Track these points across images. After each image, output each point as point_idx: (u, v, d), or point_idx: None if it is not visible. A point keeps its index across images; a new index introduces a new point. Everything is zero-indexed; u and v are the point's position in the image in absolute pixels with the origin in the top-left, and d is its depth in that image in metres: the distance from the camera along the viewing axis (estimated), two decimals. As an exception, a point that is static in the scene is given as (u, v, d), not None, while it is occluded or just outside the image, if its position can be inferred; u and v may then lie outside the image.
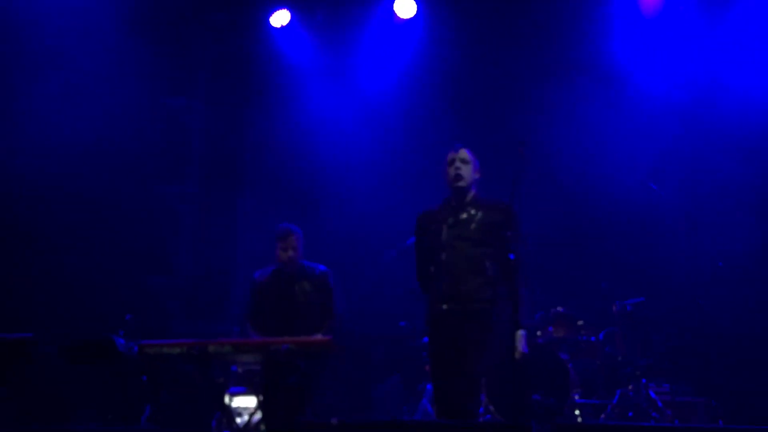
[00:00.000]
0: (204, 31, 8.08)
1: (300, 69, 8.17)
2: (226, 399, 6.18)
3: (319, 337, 5.25)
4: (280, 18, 7.92)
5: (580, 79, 7.54)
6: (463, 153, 4.75)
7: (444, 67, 7.94)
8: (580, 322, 6.72)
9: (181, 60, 8.02)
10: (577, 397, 6.27)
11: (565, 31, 7.57)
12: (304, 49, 8.11)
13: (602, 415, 6.24)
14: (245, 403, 6.05)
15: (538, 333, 6.70)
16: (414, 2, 7.75)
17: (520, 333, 4.38)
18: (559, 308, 6.76)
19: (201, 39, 8.10)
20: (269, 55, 8.15)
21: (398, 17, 7.83)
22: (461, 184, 4.69)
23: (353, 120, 8.04)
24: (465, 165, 4.71)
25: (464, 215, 4.66)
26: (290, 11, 7.94)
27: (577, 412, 6.22)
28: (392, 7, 7.80)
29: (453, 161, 4.74)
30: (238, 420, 5.78)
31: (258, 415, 5.39)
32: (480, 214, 4.64)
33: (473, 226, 4.61)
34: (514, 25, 7.79)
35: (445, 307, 4.59)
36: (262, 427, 5.29)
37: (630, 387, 6.24)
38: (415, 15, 7.80)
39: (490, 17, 7.84)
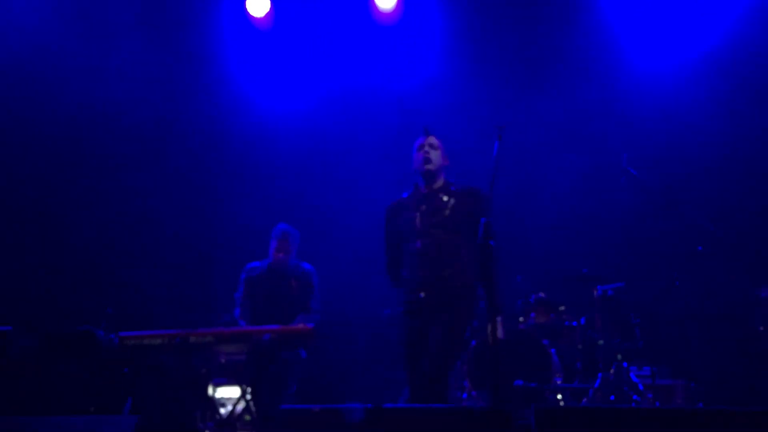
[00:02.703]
0: (182, 19, 7.99)
1: (280, 60, 8.12)
2: (210, 390, 6.19)
3: (300, 325, 5.27)
4: (260, 7, 7.84)
5: (562, 63, 7.57)
6: (432, 139, 4.77)
7: (422, 58, 7.94)
8: (562, 308, 6.76)
9: (160, 51, 7.94)
10: (559, 382, 6.32)
11: (542, 17, 7.58)
12: (283, 40, 8.06)
13: (584, 399, 6.29)
14: (228, 393, 6.05)
15: (521, 319, 6.73)
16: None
17: (498, 319, 4.38)
18: (541, 294, 6.80)
19: (179, 28, 8.01)
20: (249, 45, 8.09)
21: (378, 8, 7.80)
22: (429, 167, 4.68)
23: (337, 111, 8.02)
24: (434, 150, 4.72)
25: (437, 202, 4.64)
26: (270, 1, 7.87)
27: (559, 396, 6.27)
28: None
29: (422, 146, 4.75)
30: (222, 410, 5.78)
31: (242, 405, 5.40)
32: (453, 200, 4.63)
33: (447, 212, 4.60)
34: (493, 14, 7.79)
35: (422, 294, 4.57)
36: (247, 417, 5.30)
37: (611, 371, 6.29)
38: (396, 6, 7.77)
39: (470, 6, 7.84)
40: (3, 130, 7.22)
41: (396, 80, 7.94)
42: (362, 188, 7.58)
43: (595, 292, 6.63)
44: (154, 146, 8.07)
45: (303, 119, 8.02)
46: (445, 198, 4.65)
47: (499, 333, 4.37)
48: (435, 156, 4.71)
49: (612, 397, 6.16)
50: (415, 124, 4.99)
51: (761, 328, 6.47)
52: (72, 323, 5.67)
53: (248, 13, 7.86)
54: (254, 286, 5.97)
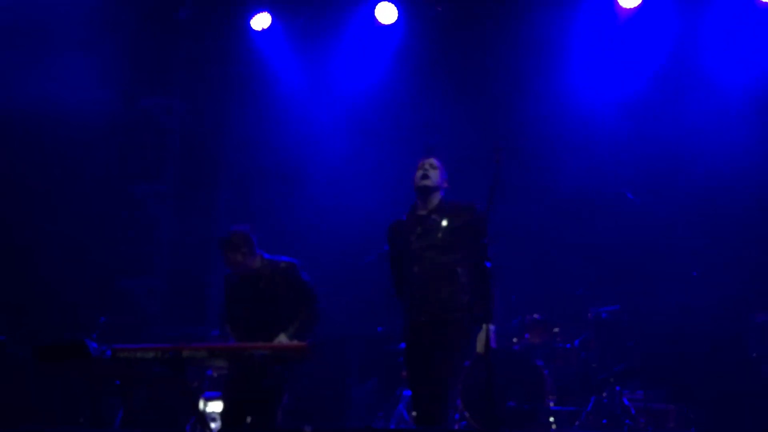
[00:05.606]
0: (183, 31, 8.02)
1: (279, 71, 8.16)
2: (200, 403, 6.15)
3: (294, 342, 5.20)
4: (261, 21, 7.89)
5: (558, 83, 7.59)
6: (433, 160, 4.82)
7: (423, 71, 7.96)
8: (556, 329, 6.75)
9: (159, 60, 7.96)
10: (551, 404, 6.29)
11: (543, 35, 7.59)
12: (283, 52, 8.10)
13: (576, 422, 6.27)
14: (219, 407, 6.02)
15: (515, 339, 6.72)
16: (395, 8, 7.76)
17: (490, 327, 4.35)
18: (536, 315, 6.79)
19: (180, 39, 8.04)
20: (248, 56, 8.12)
21: (379, 22, 7.83)
22: (427, 183, 4.71)
23: (331, 122, 8.04)
24: (433, 169, 4.77)
25: (430, 223, 4.69)
26: (271, 14, 7.91)
27: (551, 419, 6.24)
28: (373, 12, 7.80)
29: (422, 165, 4.81)
30: (212, 425, 5.75)
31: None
32: (445, 220, 4.67)
33: (439, 234, 4.64)
34: (492, 30, 7.82)
35: (422, 318, 4.61)
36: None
37: (604, 394, 6.28)
38: (396, 20, 7.81)
39: (469, 22, 7.87)
40: (9, 137, 7.22)
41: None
42: (359, 201, 7.55)
43: (589, 314, 6.63)
44: (151, 154, 8.07)
45: (302, 129, 8.03)
46: (438, 218, 4.68)
47: (491, 342, 4.36)
48: (433, 174, 4.76)
49: (604, 421, 6.15)
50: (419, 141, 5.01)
51: (755, 354, 6.47)
52: (66, 333, 5.66)
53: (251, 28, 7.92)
54: (232, 296, 5.35)
